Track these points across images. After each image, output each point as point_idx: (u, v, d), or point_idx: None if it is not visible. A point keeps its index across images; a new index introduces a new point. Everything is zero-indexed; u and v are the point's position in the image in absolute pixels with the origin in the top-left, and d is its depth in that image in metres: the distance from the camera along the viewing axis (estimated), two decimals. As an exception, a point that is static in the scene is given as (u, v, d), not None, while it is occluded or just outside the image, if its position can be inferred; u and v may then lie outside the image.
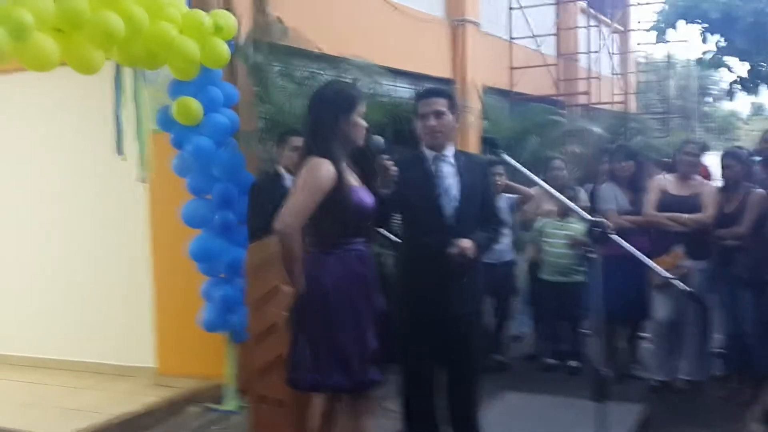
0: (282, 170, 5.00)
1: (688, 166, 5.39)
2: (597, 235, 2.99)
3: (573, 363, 5.90)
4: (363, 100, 3.26)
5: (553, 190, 3.61)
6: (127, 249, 5.97)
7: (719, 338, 5.67)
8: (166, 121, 5.12)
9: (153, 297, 5.85)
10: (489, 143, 3.42)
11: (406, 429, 3.75)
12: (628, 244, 3.17)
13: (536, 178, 3.48)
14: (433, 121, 3.57)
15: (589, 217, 3.15)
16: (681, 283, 3.63)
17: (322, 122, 3.14)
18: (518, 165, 3.40)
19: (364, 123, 3.23)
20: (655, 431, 4.31)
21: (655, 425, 4.33)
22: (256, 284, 4.55)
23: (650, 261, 3.46)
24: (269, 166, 5.77)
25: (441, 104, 3.58)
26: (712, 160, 7.84)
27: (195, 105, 4.97)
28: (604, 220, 3.14)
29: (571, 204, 3.63)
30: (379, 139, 3.22)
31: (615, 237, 3.01)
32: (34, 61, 3.97)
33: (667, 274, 3.42)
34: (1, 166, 6.51)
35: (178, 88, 5.02)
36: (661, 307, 5.36)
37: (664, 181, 5.43)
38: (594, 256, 3.12)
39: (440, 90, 3.74)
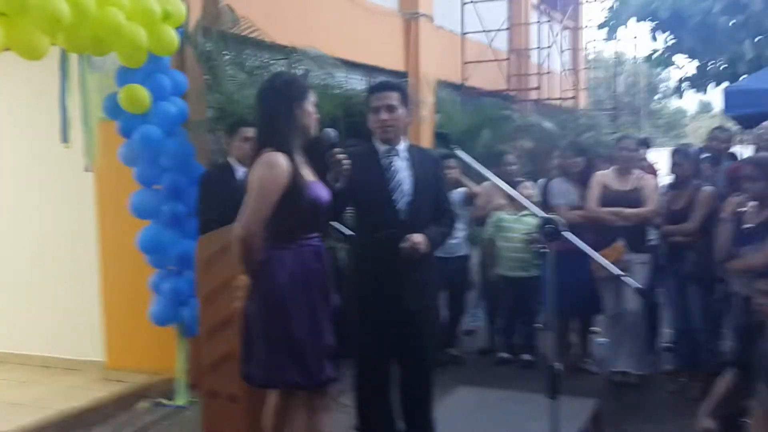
0: (233, 161, 4.92)
1: (625, 161, 5.45)
2: (549, 231, 3.00)
3: (526, 357, 5.95)
4: (312, 89, 3.22)
5: (507, 187, 3.62)
6: (74, 240, 5.84)
7: (668, 333, 5.79)
8: (113, 109, 4.99)
9: (101, 289, 5.72)
10: (442, 138, 3.41)
11: (360, 424, 3.73)
12: (579, 240, 3.19)
13: (490, 174, 3.48)
14: (384, 115, 3.54)
15: (542, 213, 3.16)
16: (631, 280, 3.67)
17: (274, 112, 3.09)
18: (471, 160, 3.39)
19: (315, 112, 3.19)
20: (607, 425, 4.36)
21: (607, 419, 4.38)
22: (207, 277, 4.47)
23: (600, 257, 3.49)
24: (219, 156, 5.68)
25: (393, 98, 3.55)
26: (658, 157, 7.99)
27: (143, 93, 4.86)
28: (556, 217, 3.15)
29: (525, 200, 3.64)
30: (330, 132, 3.18)
31: (567, 234, 3.02)
32: (-25, 46, 3.83)
33: (618, 271, 3.44)
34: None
35: (125, 75, 4.89)
36: (609, 302, 5.44)
37: (605, 177, 5.49)
38: (546, 251, 3.13)
39: (392, 84, 3.71)
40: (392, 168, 3.56)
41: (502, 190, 6.05)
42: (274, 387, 3.19)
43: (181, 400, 5.13)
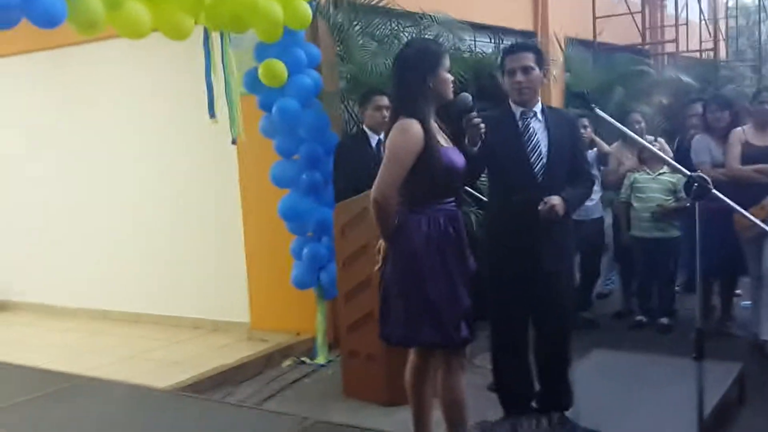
0: (367, 130, 5.03)
1: (765, 114, 5.15)
2: (697, 190, 2.90)
3: (664, 320, 5.79)
4: (447, 55, 3.24)
5: (649, 146, 3.52)
6: (220, 210, 6.17)
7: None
8: (253, 84, 5.22)
9: (245, 255, 6.02)
10: (580, 97, 3.36)
11: (498, 385, 3.80)
12: (727, 199, 3.08)
13: (631, 133, 3.40)
14: (520, 77, 3.52)
15: (687, 172, 3.06)
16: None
17: (408, 82, 3.13)
18: (611, 119, 3.32)
19: (450, 77, 3.21)
20: (752, 390, 4.21)
21: (751, 384, 4.23)
22: (344, 243, 4.64)
23: (752, 216, 3.35)
24: (352, 125, 5.82)
25: (529, 59, 3.53)
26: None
27: (280, 67, 5.05)
28: (703, 174, 3.05)
29: (669, 159, 3.53)
30: (466, 97, 3.20)
31: (715, 192, 2.92)
32: (128, 29, 4.10)
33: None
34: (102, 129, 6.79)
35: (263, 50, 5.10)
36: (753, 264, 5.20)
37: (744, 134, 5.21)
38: (691, 209, 3.04)
39: (527, 45, 3.68)
40: (529, 130, 3.55)
41: (633, 149, 5.98)
42: (412, 346, 3.28)
43: (321, 358, 5.37)
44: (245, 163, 5.86)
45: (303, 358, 5.44)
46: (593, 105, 3.26)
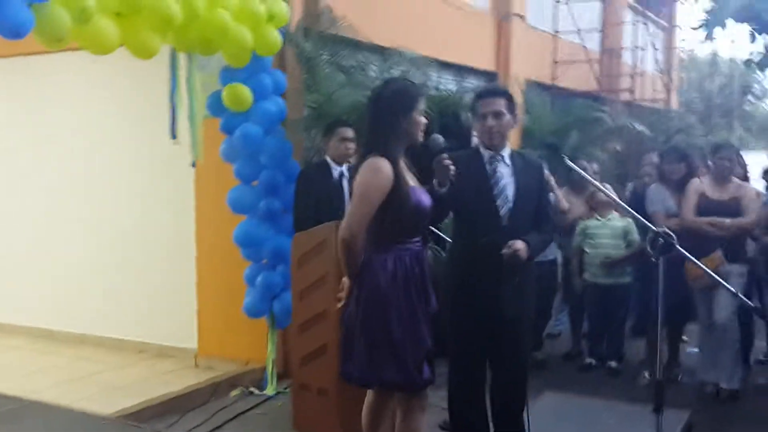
0: (329, 160, 5.01)
1: (724, 171, 5.30)
2: (662, 246, 2.95)
3: (613, 364, 5.86)
4: (423, 98, 3.26)
5: (614, 196, 3.57)
6: (173, 232, 6.05)
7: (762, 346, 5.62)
8: (216, 107, 5.16)
9: (196, 280, 5.91)
10: (552, 148, 3.40)
11: (453, 425, 3.77)
12: (686, 253, 3.13)
13: (598, 184, 3.45)
14: (492, 122, 3.55)
15: (653, 227, 3.11)
16: (733, 290, 3.58)
17: (382, 121, 3.13)
18: (580, 170, 3.37)
19: (424, 120, 3.23)
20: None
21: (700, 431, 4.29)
22: (302, 274, 4.58)
23: (709, 269, 3.41)
24: (315, 155, 5.79)
25: (500, 104, 3.57)
26: (749, 161, 7.71)
27: (245, 92, 5.00)
28: (668, 230, 3.10)
29: (632, 211, 3.59)
30: (438, 138, 3.23)
31: (678, 248, 2.97)
32: (95, 44, 4.01)
33: (725, 283, 3.36)
34: (57, 141, 6.62)
35: (229, 74, 5.05)
36: (703, 312, 5.31)
37: (702, 185, 5.35)
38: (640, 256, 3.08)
39: (499, 90, 3.72)
40: (496, 174, 3.58)
41: (581, 196, 6.11)
42: (373, 386, 3.25)
43: (270, 389, 5.28)
44: (203, 186, 5.76)
45: (251, 389, 5.33)
46: (564, 155, 3.30)
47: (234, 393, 5.28)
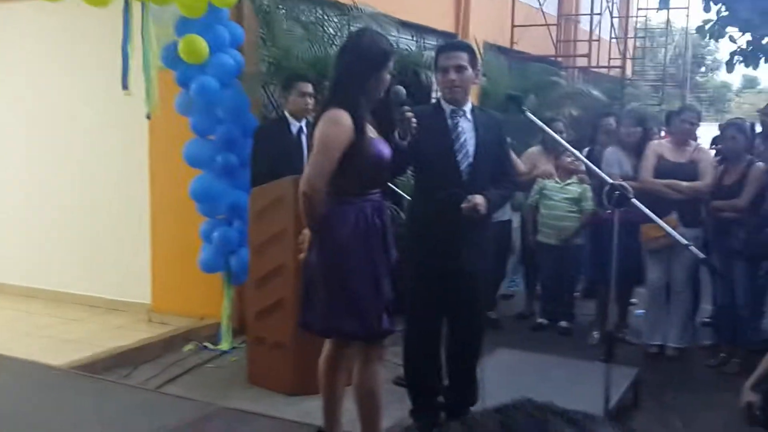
0: (288, 115, 4.96)
1: (685, 133, 5.39)
2: (618, 198, 2.99)
3: (564, 324, 5.99)
4: (393, 56, 3.22)
5: (577, 153, 3.61)
6: (127, 186, 5.95)
7: (708, 308, 5.78)
8: (171, 59, 5.03)
9: (150, 235, 5.83)
10: (515, 100, 3.40)
11: (407, 378, 3.81)
12: (644, 208, 3.18)
13: (560, 139, 3.47)
14: (453, 75, 3.54)
15: (609, 180, 3.16)
16: (696, 250, 3.63)
17: (351, 75, 3.09)
18: (542, 125, 3.39)
19: (389, 78, 3.20)
20: (646, 394, 4.40)
21: (645, 389, 4.42)
22: (259, 228, 4.56)
23: (668, 226, 3.47)
24: (273, 110, 5.73)
25: (462, 58, 3.55)
26: (704, 131, 7.89)
27: (201, 43, 4.90)
28: (624, 183, 3.15)
29: (594, 168, 3.63)
30: (401, 90, 3.20)
31: (635, 201, 3.02)
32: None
33: (685, 241, 3.41)
34: (4, 93, 6.42)
35: (185, 25, 4.93)
36: (654, 274, 5.43)
37: (661, 147, 5.43)
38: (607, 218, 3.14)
39: (462, 44, 3.71)
40: (458, 129, 3.58)
41: (550, 157, 6.15)
42: (333, 336, 3.26)
43: (225, 344, 5.26)
44: (157, 139, 5.66)
45: (206, 344, 5.31)
46: (525, 108, 3.31)
47: (187, 347, 5.26)
